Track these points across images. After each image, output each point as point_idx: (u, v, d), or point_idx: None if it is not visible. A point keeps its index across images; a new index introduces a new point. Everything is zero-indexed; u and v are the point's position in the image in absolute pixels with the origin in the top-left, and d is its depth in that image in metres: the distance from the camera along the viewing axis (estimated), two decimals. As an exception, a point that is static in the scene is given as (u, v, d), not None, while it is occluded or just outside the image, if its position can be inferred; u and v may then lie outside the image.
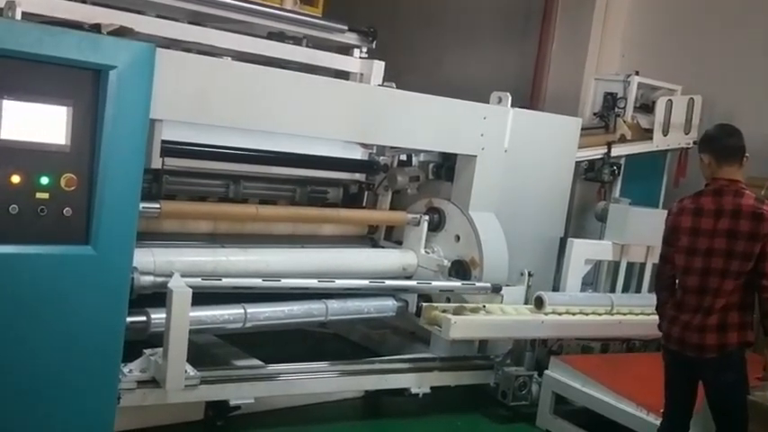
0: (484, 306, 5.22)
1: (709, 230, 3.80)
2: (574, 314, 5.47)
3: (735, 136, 3.90)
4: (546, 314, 5.32)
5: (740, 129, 3.98)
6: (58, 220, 3.44)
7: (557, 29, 8.34)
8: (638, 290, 6.17)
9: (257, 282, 4.68)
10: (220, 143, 4.99)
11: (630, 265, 6.13)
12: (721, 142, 3.87)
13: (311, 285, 4.89)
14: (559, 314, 5.39)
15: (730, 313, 3.76)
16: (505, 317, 5.19)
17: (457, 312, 5.07)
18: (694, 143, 7.09)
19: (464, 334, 5.07)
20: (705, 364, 3.82)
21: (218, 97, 4.33)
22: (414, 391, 5.16)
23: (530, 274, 5.46)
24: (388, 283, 5.29)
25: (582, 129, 6.43)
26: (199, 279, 4.38)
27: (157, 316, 4.25)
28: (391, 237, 6.01)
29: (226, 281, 4.57)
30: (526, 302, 5.44)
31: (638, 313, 5.65)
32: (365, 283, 5.16)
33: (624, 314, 5.65)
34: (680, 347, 3.89)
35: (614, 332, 5.69)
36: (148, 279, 4.18)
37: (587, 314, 5.53)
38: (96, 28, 3.72)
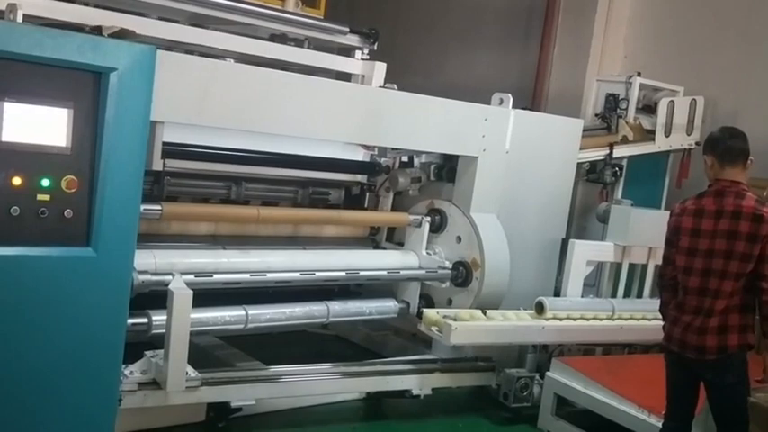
0: (485, 311, 5.21)
1: (709, 231, 3.81)
2: (575, 319, 5.46)
3: (738, 138, 3.91)
4: (546, 319, 5.31)
5: (742, 130, 4.00)
6: (58, 221, 3.43)
7: (559, 30, 8.34)
8: (641, 291, 6.16)
9: (245, 277, 4.73)
10: (222, 145, 4.99)
11: (632, 267, 6.12)
12: (724, 144, 3.88)
13: (293, 278, 4.95)
14: (560, 320, 5.39)
15: (731, 315, 3.77)
16: (506, 323, 5.19)
17: (457, 317, 5.07)
18: (697, 144, 7.10)
19: (465, 340, 5.07)
20: (705, 365, 3.83)
21: (220, 99, 4.33)
22: (415, 392, 5.17)
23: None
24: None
25: (584, 130, 6.42)
26: (192, 276, 4.41)
27: (158, 317, 4.25)
28: (393, 238, 6.00)
29: (217, 277, 4.61)
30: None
31: (639, 318, 5.64)
32: (342, 274, 5.23)
33: (625, 319, 5.64)
34: (680, 349, 3.89)
35: (615, 337, 5.67)
36: (145, 278, 4.19)
37: (588, 319, 5.52)
38: (97, 30, 3.72)
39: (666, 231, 4.08)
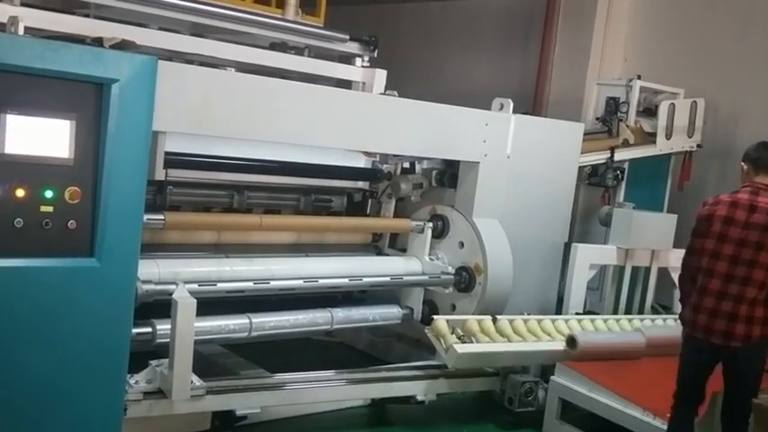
0: (495, 319, 5.20)
1: (742, 222, 4.00)
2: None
3: None
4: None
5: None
6: (62, 233, 3.45)
7: (558, 34, 8.37)
8: (644, 294, 6.17)
9: (248, 285, 4.75)
10: (224, 154, 5.01)
11: (636, 270, 6.12)
12: (759, 153, 4.14)
13: (297, 285, 4.98)
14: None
15: (757, 308, 3.95)
16: (513, 346, 5.18)
17: (465, 327, 5.07)
18: (698, 146, 7.13)
19: (468, 364, 5.10)
20: (730, 351, 3.96)
21: (221, 108, 4.35)
22: (420, 398, 5.16)
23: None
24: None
25: (585, 134, 6.44)
26: (196, 285, 4.42)
27: (163, 327, 4.26)
28: (395, 244, 6.01)
29: (221, 285, 4.63)
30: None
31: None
32: (345, 281, 5.26)
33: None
34: (705, 335, 4.01)
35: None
36: (149, 287, 4.20)
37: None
38: (98, 41, 3.74)
39: (696, 222, 4.20)
